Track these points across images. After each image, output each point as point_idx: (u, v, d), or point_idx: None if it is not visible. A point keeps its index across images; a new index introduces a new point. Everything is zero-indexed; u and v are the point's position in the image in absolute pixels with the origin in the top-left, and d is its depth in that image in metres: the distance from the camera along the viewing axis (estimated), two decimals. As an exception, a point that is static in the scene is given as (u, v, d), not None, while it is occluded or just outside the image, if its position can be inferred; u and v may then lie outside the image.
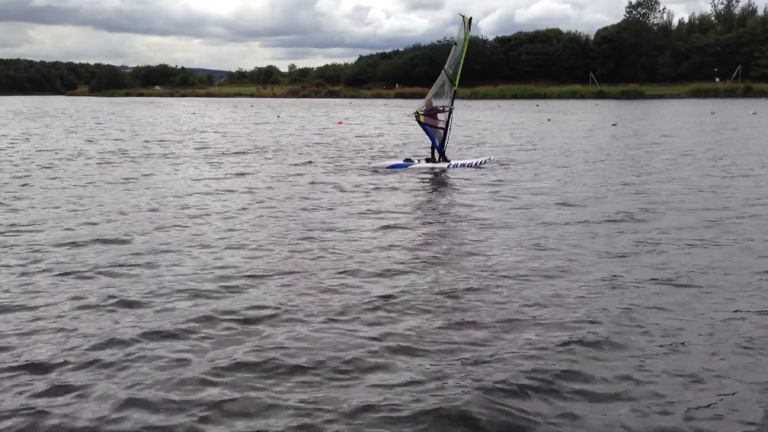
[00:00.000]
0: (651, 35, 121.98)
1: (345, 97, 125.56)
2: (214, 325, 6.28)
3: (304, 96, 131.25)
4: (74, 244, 9.39)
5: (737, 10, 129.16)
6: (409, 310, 6.69)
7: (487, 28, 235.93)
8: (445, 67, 18.22)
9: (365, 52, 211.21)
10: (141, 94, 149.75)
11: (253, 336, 6.05)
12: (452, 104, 18.30)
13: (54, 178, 16.34)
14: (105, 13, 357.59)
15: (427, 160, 18.95)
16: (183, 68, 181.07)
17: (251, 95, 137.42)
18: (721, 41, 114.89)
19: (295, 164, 19.69)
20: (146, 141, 27.39)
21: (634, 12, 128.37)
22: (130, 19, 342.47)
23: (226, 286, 7.46)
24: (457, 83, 18.13)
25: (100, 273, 8.01)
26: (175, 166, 19.18)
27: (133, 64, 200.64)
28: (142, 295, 7.15)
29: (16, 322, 6.41)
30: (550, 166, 19.12)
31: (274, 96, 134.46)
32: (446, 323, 6.33)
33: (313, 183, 15.61)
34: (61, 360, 5.54)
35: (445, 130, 18.45)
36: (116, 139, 28.59)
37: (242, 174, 17.36)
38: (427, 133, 18.78)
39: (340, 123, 42.23)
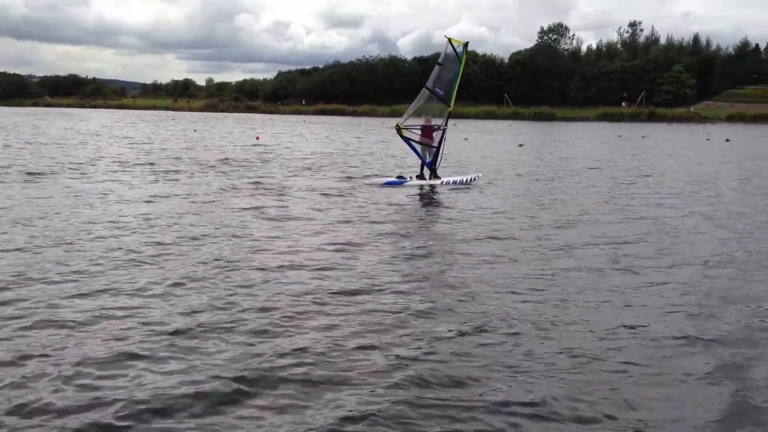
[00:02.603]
0: (562, 60, 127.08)
1: (263, 112, 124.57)
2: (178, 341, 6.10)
3: (222, 110, 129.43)
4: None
5: (641, 39, 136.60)
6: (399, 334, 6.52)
7: (405, 47, 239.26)
8: (428, 84, 18.42)
9: (285, 68, 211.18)
10: (49, 105, 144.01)
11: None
12: (446, 124, 18.66)
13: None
14: (11, 19, 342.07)
15: (418, 177, 19.11)
16: (94, 79, 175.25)
17: (167, 108, 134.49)
18: (626, 68, 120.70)
19: (251, 182, 18.66)
20: (57, 156, 26.27)
21: (546, 37, 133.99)
22: (38, 27, 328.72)
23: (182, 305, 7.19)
24: (452, 106, 18.61)
25: None
26: (99, 183, 17.68)
27: (41, 73, 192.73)
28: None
29: None
30: (498, 184, 19.41)
31: (190, 110, 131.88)
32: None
33: (259, 207, 14.70)
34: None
35: (438, 148, 18.74)
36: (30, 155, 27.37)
37: (189, 194, 15.77)
38: (412, 147, 18.91)
39: (258, 138, 41.86)
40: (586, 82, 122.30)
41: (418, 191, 17.75)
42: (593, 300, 7.72)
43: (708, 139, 50.47)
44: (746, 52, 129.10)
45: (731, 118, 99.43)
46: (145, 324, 6.56)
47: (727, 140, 48.25)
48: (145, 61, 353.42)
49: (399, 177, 19.24)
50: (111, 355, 5.79)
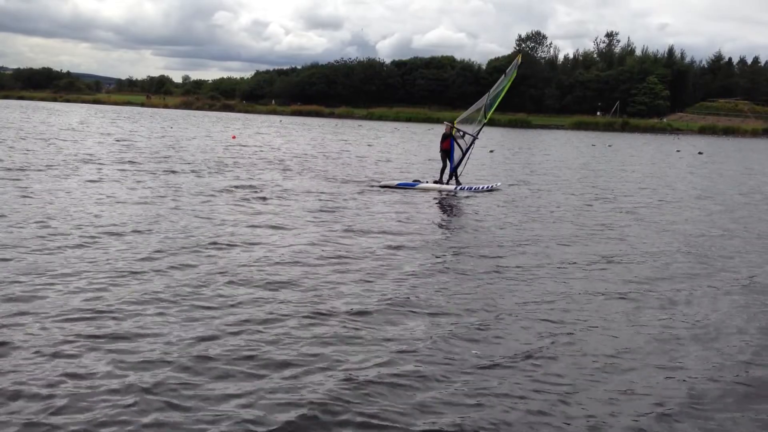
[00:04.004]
0: (539, 68, 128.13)
1: (240, 111, 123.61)
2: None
3: (198, 108, 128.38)
4: None
5: (617, 49, 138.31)
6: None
7: (384, 51, 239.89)
8: (491, 90, 19.34)
9: (262, 68, 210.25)
10: (22, 97, 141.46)
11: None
12: (477, 135, 19.19)
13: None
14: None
15: (436, 182, 19.22)
16: (68, 72, 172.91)
17: (142, 105, 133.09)
18: (601, 77, 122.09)
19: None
20: (33, 154, 25.85)
21: (523, 45, 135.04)
22: (12, 18, 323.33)
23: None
24: (488, 118, 19.25)
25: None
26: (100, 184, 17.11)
27: (13, 66, 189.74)
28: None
29: None
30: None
31: (165, 107, 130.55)
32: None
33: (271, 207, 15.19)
34: None
35: (463, 155, 19.01)
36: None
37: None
38: (452, 149, 19.11)
39: (234, 137, 41.65)
40: (561, 91, 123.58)
41: (434, 196, 17.60)
42: (600, 321, 7.36)
43: (678, 151, 50.79)
44: (719, 65, 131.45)
45: (703, 130, 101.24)
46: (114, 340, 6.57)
47: (700, 153, 48.57)
48: (121, 56, 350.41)
49: (415, 180, 19.55)
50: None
